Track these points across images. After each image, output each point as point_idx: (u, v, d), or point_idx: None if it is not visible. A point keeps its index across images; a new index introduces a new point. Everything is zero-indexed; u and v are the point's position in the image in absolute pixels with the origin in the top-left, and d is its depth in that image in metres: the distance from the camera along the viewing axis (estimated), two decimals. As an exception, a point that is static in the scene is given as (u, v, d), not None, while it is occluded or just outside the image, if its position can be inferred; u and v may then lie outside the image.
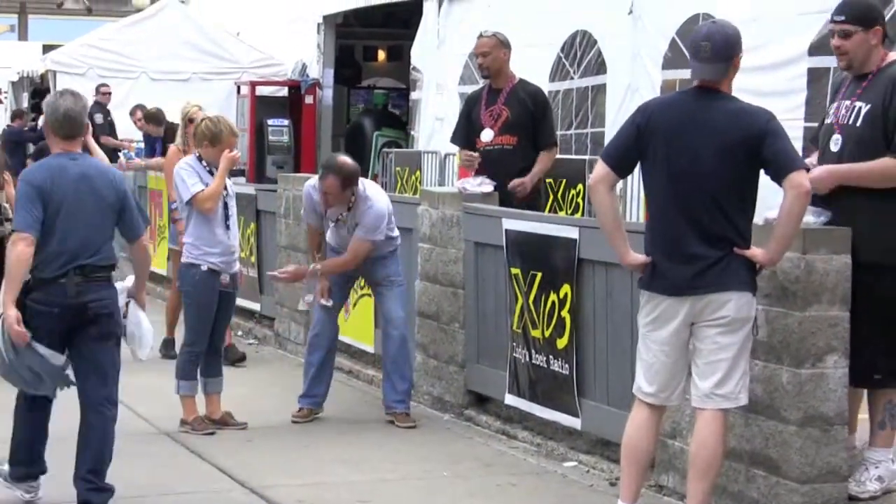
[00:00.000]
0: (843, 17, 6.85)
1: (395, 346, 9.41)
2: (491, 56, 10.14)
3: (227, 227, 9.21)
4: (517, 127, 9.95)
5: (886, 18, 12.03)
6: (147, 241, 7.67)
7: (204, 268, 9.10)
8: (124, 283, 7.58)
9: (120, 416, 9.49)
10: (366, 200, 9.27)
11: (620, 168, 6.51)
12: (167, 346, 11.61)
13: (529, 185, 9.90)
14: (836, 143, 6.86)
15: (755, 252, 6.32)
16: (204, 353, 9.20)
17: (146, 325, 7.62)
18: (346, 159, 9.29)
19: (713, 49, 6.37)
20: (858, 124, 6.75)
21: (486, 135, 10.06)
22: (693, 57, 6.42)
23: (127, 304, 7.52)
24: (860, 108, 6.77)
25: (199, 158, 9.23)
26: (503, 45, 10.15)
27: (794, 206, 6.22)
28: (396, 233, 9.53)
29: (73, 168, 7.09)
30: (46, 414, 7.41)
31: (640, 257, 6.49)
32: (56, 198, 6.99)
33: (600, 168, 6.49)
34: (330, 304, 9.55)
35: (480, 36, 10.37)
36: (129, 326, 7.50)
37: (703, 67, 6.38)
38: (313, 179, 9.61)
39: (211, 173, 9.18)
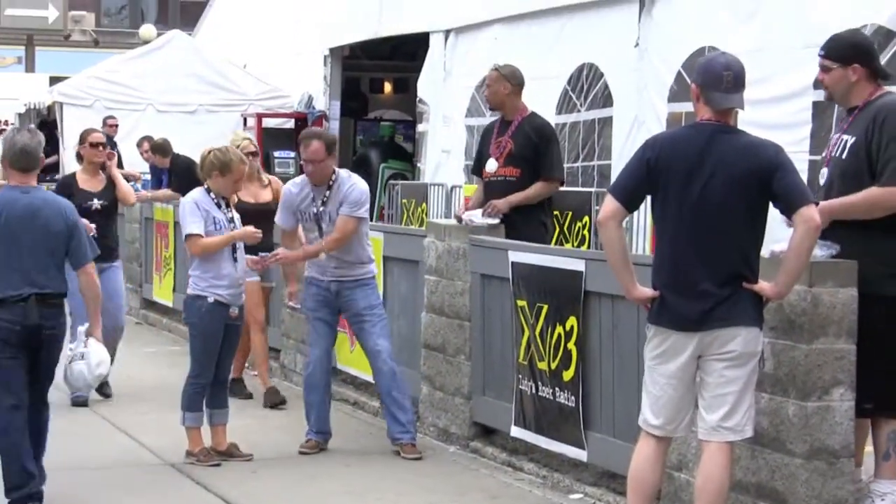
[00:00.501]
0: (823, 52, 6.98)
1: (388, 379, 9.41)
2: (491, 89, 10.21)
3: (235, 260, 9.19)
4: (520, 159, 9.96)
5: (888, 57, 12.22)
6: (92, 269, 7.99)
7: (210, 300, 9.08)
8: (82, 327, 8.29)
9: (125, 447, 9.57)
10: (348, 179, 9.40)
11: (630, 203, 6.52)
12: (235, 386, 11.03)
13: (502, 207, 9.80)
14: (822, 175, 6.97)
15: (764, 286, 6.34)
16: (210, 385, 9.18)
17: (100, 359, 8.32)
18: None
19: (735, 78, 6.43)
20: (844, 156, 6.84)
21: (491, 165, 10.09)
22: (714, 88, 6.41)
23: (85, 342, 8.22)
24: (847, 140, 6.86)
25: (208, 190, 9.22)
26: (504, 78, 10.16)
27: (805, 240, 6.24)
28: (373, 256, 9.66)
29: (23, 200, 7.68)
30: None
31: (647, 291, 6.50)
32: (2, 227, 7.61)
33: (610, 203, 6.49)
34: (298, 307, 9.84)
35: (491, 69, 10.46)
36: (79, 365, 8.23)
37: (731, 97, 6.41)
38: (292, 180, 9.74)
39: (219, 206, 9.17)
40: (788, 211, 6.29)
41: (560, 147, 10.41)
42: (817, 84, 7.18)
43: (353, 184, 9.39)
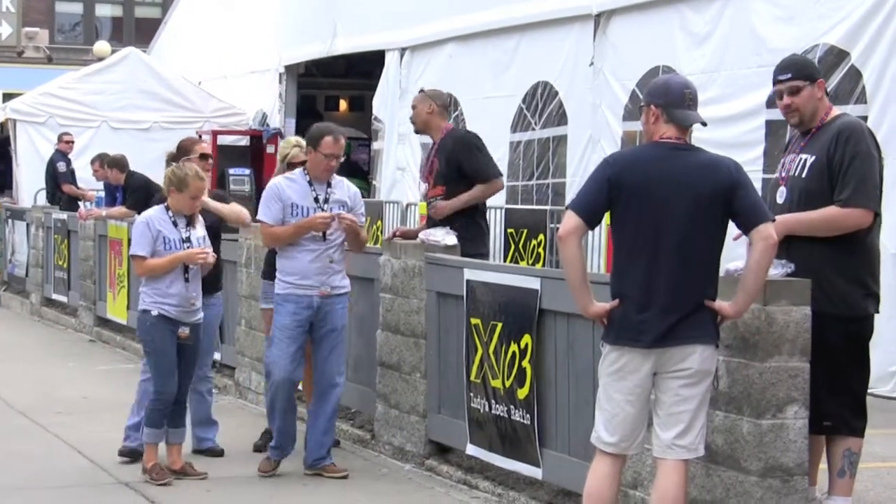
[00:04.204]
0: (789, 75, 6.99)
1: (334, 404, 9.22)
2: (416, 110, 10.23)
3: (187, 280, 9.03)
4: (443, 177, 9.98)
5: (840, 76, 12.35)
6: None
7: (154, 313, 8.95)
8: None
9: (80, 466, 9.50)
10: (340, 178, 9.22)
11: (591, 220, 6.51)
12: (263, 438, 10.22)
13: (446, 209, 9.81)
14: (781, 195, 7.00)
15: (723, 306, 6.36)
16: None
17: None
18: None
19: (693, 96, 6.51)
20: (804, 175, 6.88)
21: (422, 188, 10.19)
22: (677, 106, 6.43)
23: None
24: (805, 160, 6.90)
25: (167, 208, 9.08)
26: (429, 97, 10.17)
27: (763, 258, 6.28)
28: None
29: None
30: None
31: (604, 305, 6.49)
32: None
33: (572, 220, 6.47)
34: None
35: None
36: None
37: (694, 114, 6.48)
38: (283, 175, 9.37)
39: (175, 225, 9.03)
40: (746, 228, 6.33)
41: (484, 149, 10.22)
42: (770, 103, 7.21)
43: (349, 185, 9.25)
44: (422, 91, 10.41)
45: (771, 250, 6.27)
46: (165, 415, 9.07)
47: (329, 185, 9.10)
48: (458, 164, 9.93)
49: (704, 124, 6.50)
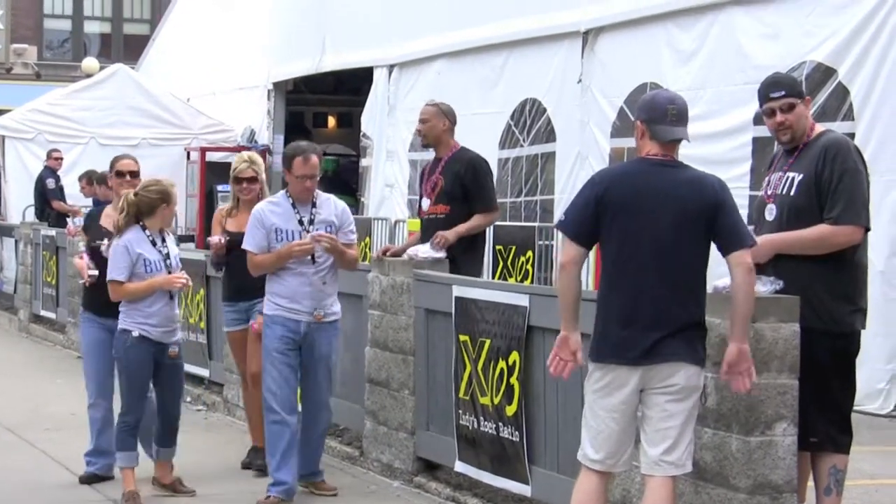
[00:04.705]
0: (782, 92, 6.97)
1: (325, 425, 9.18)
2: (429, 124, 10.15)
3: (171, 297, 8.87)
4: (449, 196, 9.95)
5: (827, 94, 12.39)
6: None
7: (135, 333, 8.73)
8: None
9: (67, 482, 9.46)
10: (326, 195, 8.97)
11: (589, 244, 6.52)
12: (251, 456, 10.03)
13: (451, 238, 9.73)
14: (770, 212, 6.98)
15: (730, 352, 6.34)
16: (158, 426, 9.00)
17: None
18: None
19: (679, 111, 6.47)
20: (793, 193, 6.87)
21: (424, 203, 10.14)
22: (659, 122, 6.43)
23: None
24: (793, 178, 6.89)
25: (143, 227, 8.86)
26: (444, 114, 10.16)
27: (744, 284, 6.28)
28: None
29: None
30: None
31: (578, 343, 6.50)
32: None
33: (572, 249, 6.47)
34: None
35: (425, 105, 10.46)
36: None
37: (677, 129, 6.44)
38: (267, 199, 9.13)
39: (154, 243, 8.85)
40: (724, 251, 6.35)
41: (492, 177, 10.31)
42: (758, 120, 7.20)
43: (336, 202, 8.99)
44: (435, 105, 10.30)
45: (748, 275, 6.27)
46: (133, 436, 8.84)
47: (314, 205, 8.85)
48: (463, 185, 9.93)
49: (685, 140, 6.48)
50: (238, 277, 9.67)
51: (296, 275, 8.76)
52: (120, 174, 9.82)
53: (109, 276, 8.79)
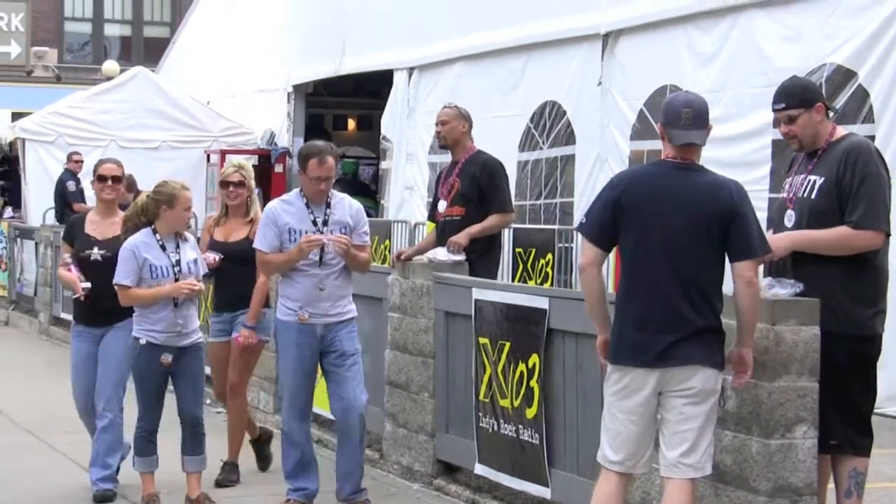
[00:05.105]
0: (782, 105, 6.95)
1: (359, 431, 8.62)
2: (449, 126, 10.18)
3: (176, 305, 8.55)
4: (465, 198, 9.99)
5: (847, 96, 12.35)
6: None
7: (143, 341, 8.59)
8: None
9: (87, 485, 9.47)
10: (341, 196, 8.69)
11: (608, 245, 6.56)
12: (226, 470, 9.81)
13: (461, 240, 9.76)
14: (789, 218, 6.95)
15: (732, 353, 6.40)
16: (182, 431, 8.81)
17: None
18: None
19: (695, 115, 6.46)
20: (814, 197, 6.84)
21: (441, 206, 10.17)
22: (673, 125, 6.45)
23: None
24: (814, 181, 6.87)
25: (154, 231, 8.65)
26: (463, 117, 10.20)
27: (745, 297, 6.33)
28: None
29: None
30: None
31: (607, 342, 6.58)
32: None
33: (590, 250, 6.52)
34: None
35: (444, 107, 10.48)
36: None
37: (689, 133, 6.44)
38: (279, 198, 8.83)
39: (164, 248, 8.61)
40: (731, 258, 6.38)
41: (507, 179, 10.34)
42: (777, 123, 7.17)
43: (351, 202, 8.67)
44: (454, 107, 10.35)
45: (747, 288, 6.32)
46: (151, 441, 8.76)
47: (328, 205, 8.57)
48: (479, 188, 9.96)
49: (701, 144, 6.47)
50: (224, 288, 9.68)
51: (307, 276, 8.49)
52: (102, 179, 9.52)
53: (116, 279, 8.63)
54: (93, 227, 9.40)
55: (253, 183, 9.82)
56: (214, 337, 9.88)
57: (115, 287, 8.66)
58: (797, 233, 6.84)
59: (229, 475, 9.66)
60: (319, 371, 8.75)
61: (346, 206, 8.64)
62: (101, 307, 9.06)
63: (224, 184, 9.75)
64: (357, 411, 8.56)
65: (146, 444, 8.76)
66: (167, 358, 8.60)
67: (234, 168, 9.76)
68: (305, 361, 8.57)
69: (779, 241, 6.76)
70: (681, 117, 6.46)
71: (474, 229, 9.87)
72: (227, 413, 9.94)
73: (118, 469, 9.23)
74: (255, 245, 8.66)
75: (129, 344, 8.81)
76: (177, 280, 8.57)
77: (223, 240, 9.67)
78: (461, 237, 9.78)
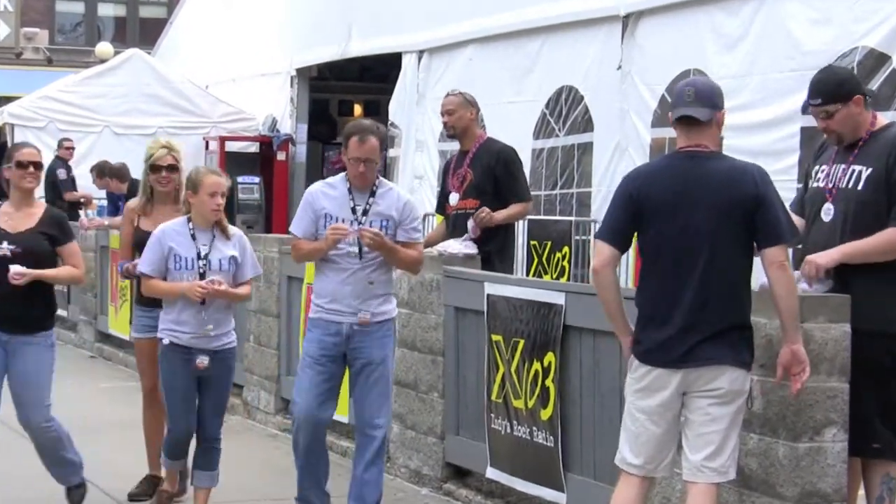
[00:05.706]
0: (819, 101, 6.93)
1: (375, 449, 8.15)
2: (456, 115, 10.18)
3: (202, 302, 8.25)
4: (479, 189, 10.01)
5: (880, 81, 12.31)
6: None
7: (166, 341, 8.35)
8: None
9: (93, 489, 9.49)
10: (389, 185, 8.24)
11: (623, 245, 6.56)
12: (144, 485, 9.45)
13: (496, 219, 9.86)
14: (827, 213, 6.91)
15: (782, 354, 6.36)
16: (195, 443, 8.58)
17: None
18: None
19: (696, 93, 6.47)
20: (860, 188, 6.81)
21: (452, 199, 10.19)
22: (674, 105, 6.53)
23: None
24: (860, 171, 6.83)
25: (189, 220, 8.38)
26: (469, 104, 10.21)
27: (780, 284, 6.29)
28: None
29: None
30: None
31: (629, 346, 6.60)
32: None
33: (604, 250, 6.52)
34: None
35: (447, 94, 10.48)
36: None
37: (688, 108, 6.44)
38: (323, 180, 8.40)
39: (194, 238, 8.32)
40: (759, 246, 6.36)
41: (523, 167, 10.42)
42: (806, 109, 7.16)
43: (400, 194, 8.23)
44: (459, 94, 10.36)
45: (780, 271, 6.28)
46: (182, 448, 8.63)
47: (373, 193, 8.10)
48: (495, 178, 9.98)
49: (700, 118, 6.42)
50: None
51: (338, 270, 8.07)
52: (21, 165, 8.66)
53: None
54: (5, 219, 8.63)
55: (184, 164, 9.29)
56: (140, 332, 9.30)
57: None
58: (846, 246, 6.78)
59: (147, 490, 9.30)
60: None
61: (393, 197, 8.16)
62: (5, 311, 8.41)
63: (155, 168, 9.16)
64: (378, 429, 8.18)
65: (176, 449, 8.64)
66: (203, 361, 8.30)
67: (165, 150, 9.21)
68: (326, 362, 8.12)
69: (826, 258, 6.73)
70: (683, 96, 6.49)
71: (500, 215, 9.92)
72: (144, 421, 9.44)
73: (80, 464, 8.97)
74: (291, 230, 8.31)
75: (45, 364, 8.50)
76: (202, 276, 8.27)
77: (151, 230, 8.80)
78: (498, 214, 9.87)
